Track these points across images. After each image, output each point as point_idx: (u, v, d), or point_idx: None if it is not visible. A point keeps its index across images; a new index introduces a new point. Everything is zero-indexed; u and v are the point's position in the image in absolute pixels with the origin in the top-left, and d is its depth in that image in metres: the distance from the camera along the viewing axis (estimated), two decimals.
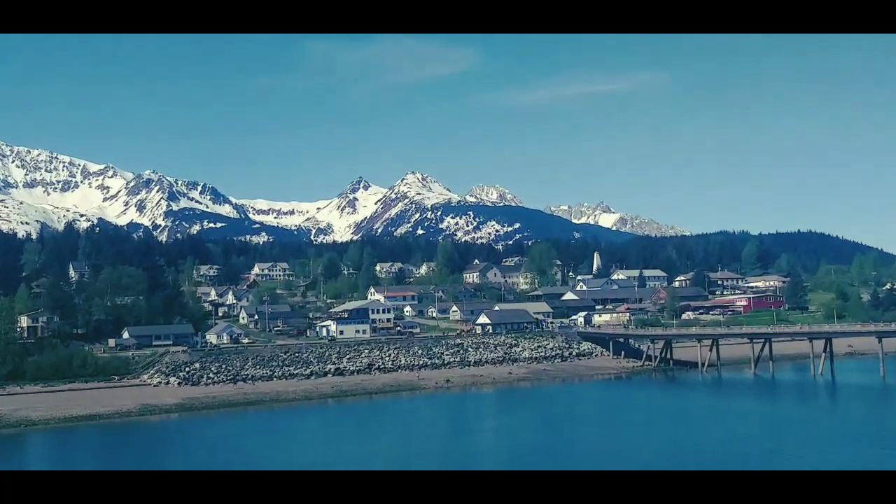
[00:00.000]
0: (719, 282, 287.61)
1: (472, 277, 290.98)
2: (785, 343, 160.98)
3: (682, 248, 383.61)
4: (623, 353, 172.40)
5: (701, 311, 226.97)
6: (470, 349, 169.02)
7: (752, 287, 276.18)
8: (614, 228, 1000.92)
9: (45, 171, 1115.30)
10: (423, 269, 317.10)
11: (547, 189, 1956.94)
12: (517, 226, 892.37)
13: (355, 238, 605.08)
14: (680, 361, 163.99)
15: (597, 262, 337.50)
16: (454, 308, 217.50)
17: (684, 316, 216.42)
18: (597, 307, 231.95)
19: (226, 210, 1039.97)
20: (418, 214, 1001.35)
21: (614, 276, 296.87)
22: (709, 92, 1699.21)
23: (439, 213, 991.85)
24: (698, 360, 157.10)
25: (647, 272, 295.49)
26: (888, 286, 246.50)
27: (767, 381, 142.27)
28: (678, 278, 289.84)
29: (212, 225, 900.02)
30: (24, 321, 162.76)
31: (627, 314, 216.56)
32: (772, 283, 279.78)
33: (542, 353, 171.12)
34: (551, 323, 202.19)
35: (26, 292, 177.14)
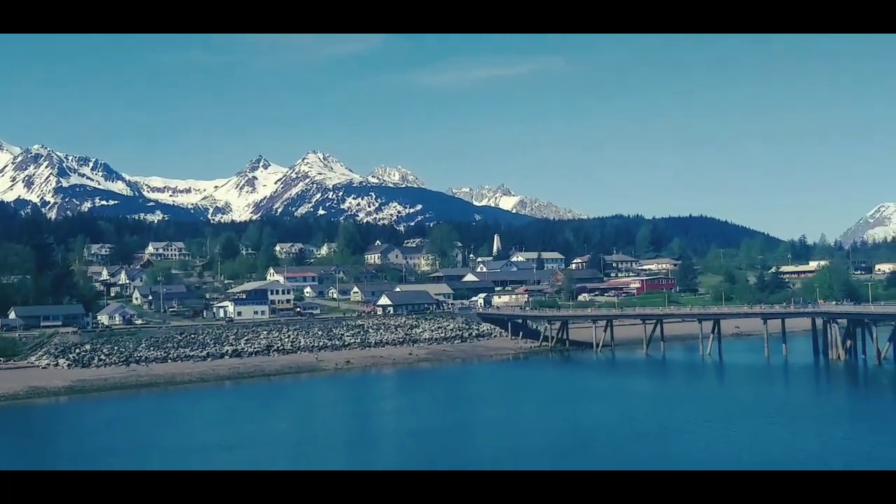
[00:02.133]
0: (614, 264, 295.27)
1: (373, 259, 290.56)
2: (676, 324, 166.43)
3: (579, 231, 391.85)
4: (521, 333, 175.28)
5: (596, 292, 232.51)
6: (371, 330, 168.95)
7: (645, 270, 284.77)
8: (514, 211, 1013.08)
9: None
10: (325, 250, 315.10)
11: (449, 171, 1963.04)
12: (419, 207, 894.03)
13: (254, 218, 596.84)
14: (576, 342, 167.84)
15: (497, 244, 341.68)
16: (355, 289, 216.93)
17: (580, 297, 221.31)
18: (496, 289, 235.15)
19: (119, 187, 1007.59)
20: (319, 195, 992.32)
21: (514, 259, 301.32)
22: (606, 78, 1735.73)
23: (341, 193, 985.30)
24: (593, 340, 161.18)
25: (545, 255, 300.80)
26: (773, 269, 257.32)
27: (659, 360, 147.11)
28: (575, 261, 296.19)
29: (104, 202, 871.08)
30: None
31: (526, 296, 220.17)
32: (664, 265, 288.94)
33: (443, 335, 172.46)
34: (452, 304, 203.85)
35: None
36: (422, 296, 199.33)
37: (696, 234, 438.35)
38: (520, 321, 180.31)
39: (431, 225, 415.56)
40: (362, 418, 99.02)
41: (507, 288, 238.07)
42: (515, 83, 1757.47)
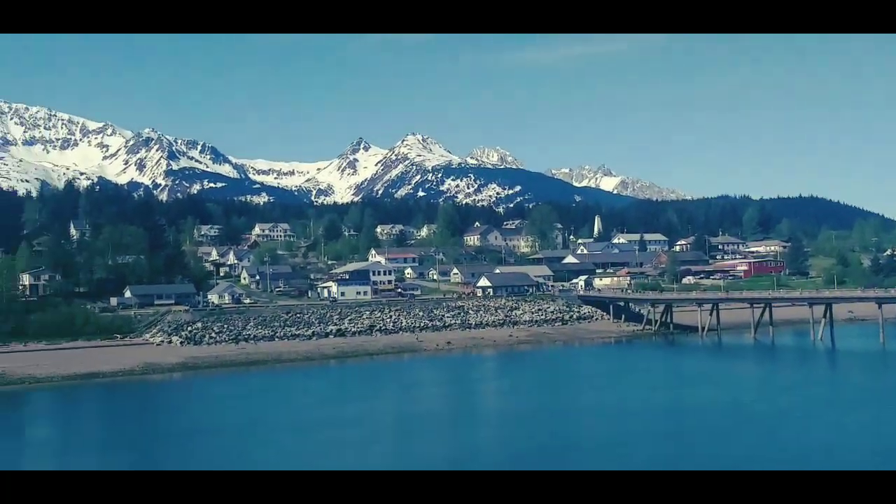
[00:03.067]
0: (720, 246, 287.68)
1: (472, 240, 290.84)
2: (785, 308, 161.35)
3: (683, 212, 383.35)
4: (623, 316, 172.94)
5: (701, 275, 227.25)
6: (471, 312, 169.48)
7: (752, 252, 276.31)
8: (615, 192, 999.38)
9: (44, 128, 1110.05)
10: (424, 232, 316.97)
11: (548, 152, 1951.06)
12: (518, 189, 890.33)
13: (356, 199, 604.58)
14: (680, 325, 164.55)
15: (598, 225, 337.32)
16: (455, 271, 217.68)
17: (685, 280, 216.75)
18: (597, 271, 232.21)
19: (226, 170, 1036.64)
20: (419, 176, 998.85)
21: (615, 240, 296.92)
22: (710, 54, 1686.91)
23: (440, 175, 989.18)
24: (698, 324, 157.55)
25: (647, 236, 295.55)
26: (889, 252, 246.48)
27: (767, 346, 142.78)
28: (679, 242, 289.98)
29: (212, 185, 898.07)
30: (25, 279, 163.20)
31: (628, 278, 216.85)
32: (772, 248, 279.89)
33: (543, 317, 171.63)
34: (552, 286, 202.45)
35: (27, 250, 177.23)
36: (521, 278, 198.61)
37: (806, 215, 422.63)
38: (622, 304, 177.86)
39: (531, 206, 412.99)
40: (466, 398, 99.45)
41: (608, 270, 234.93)
42: (617, 59, 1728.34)
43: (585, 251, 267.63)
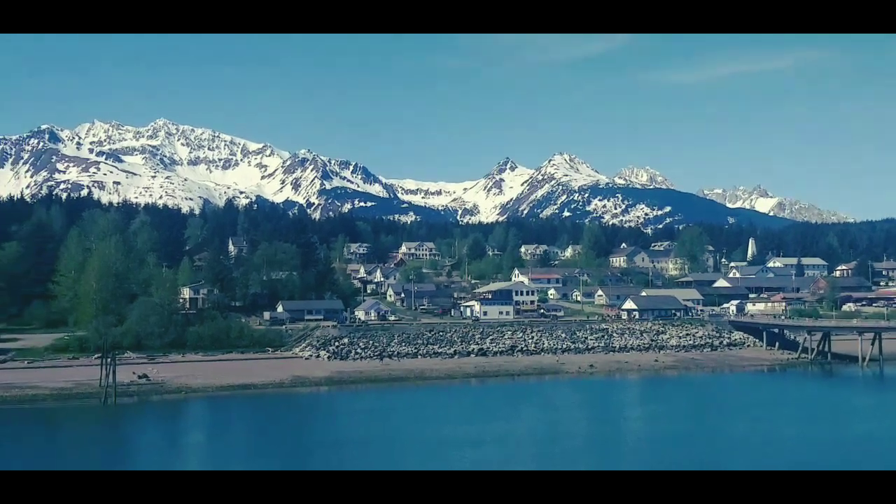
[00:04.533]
0: (884, 272, 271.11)
1: (618, 262, 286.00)
2: None
3: (844, 235, 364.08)
4: (777, 344, 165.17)
5: (863, 302, 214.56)
6: (615, 335, 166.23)
7: None
8: (771, 214, 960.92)
9: (208, 149, 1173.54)
10: (569, 252, 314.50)
11: (700, 172, 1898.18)
12: (667, 209, 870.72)
13: (501, 219, 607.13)
14: (838, 355, 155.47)
15: (752, 248, 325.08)
16: (599, 292, 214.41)
17: (845, 307, 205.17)
18: (750, 296, 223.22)
19: (376, 189, 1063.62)
20: (565, 196, 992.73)
21: (770, 264, 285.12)
22: (872, 71, 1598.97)
23: (586, 195, 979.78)
24: (859, 354, 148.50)
25: (805, 260, 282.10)
26: None
27: None
28: (839, 267, 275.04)
29: (362, 204, 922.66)
30: (186, 293, 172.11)
31: (783, 303, 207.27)
32: None
33: (691, 342, 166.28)
34: (701, 310, 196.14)
35: (189, 265, 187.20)
36: (669, 301, 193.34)
37: None
38: (776, 331, 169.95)
39: (680, 227, 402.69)
40: (608, 422, 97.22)
41: (762, 295, 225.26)
42: (773, 78, 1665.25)
43: (738, 275, 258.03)
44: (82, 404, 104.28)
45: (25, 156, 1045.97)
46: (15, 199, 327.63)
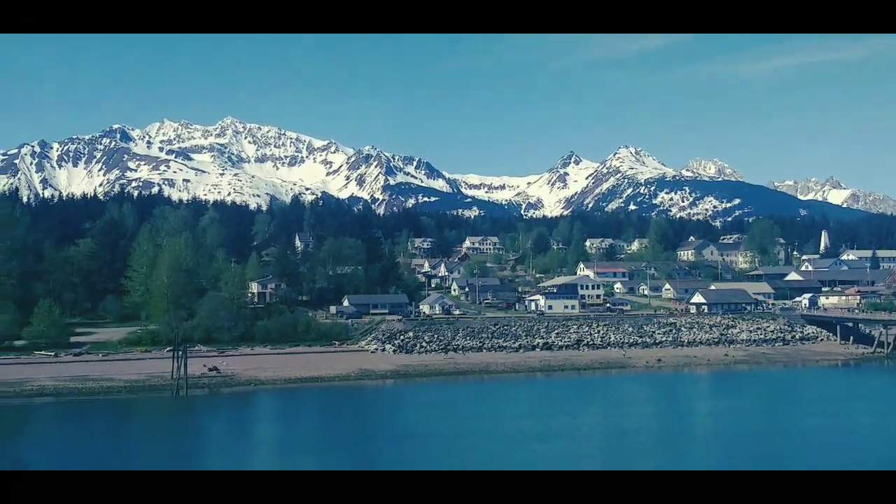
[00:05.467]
0: None
1: (686, 255, 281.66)
2: None
3: None
4: (852, 338, 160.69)
5: None
6: (683, 329, 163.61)
7: None
8: (845, 205, 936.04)
9: (274, 146, 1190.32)
10: (635, 246, 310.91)
11: (770, 164, 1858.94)
12: (737, 202, 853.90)
13: (565, 213, 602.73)
14: None
15: (824, 241, 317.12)
16: (667, 286, 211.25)
17: None
18: (823, 289, 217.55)
19: (439, 184, 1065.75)
20: (630, 189, 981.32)
21: (844, 257, 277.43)
22: None
23: (653, 188, 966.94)
24: None
25: (881, 253, 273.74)
26: None
27: None
28: None
29: (426, 199, 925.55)
30: (254, 287, 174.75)
31: (858, 297, 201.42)
32: None
33: (762, 336, 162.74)
34: (772, 304, 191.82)
35: (257, 260, 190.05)
36: (739, 294, 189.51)
37: None
38: (850, 325, 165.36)
39: (750, 220, 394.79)
40: (677, 417, 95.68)
41: (835, 288, 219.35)
42: (845, 68, 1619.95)
43: (810, 268, 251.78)
44: (155, 396, 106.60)
45: (98, 155, 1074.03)
46: (88, 196, 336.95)
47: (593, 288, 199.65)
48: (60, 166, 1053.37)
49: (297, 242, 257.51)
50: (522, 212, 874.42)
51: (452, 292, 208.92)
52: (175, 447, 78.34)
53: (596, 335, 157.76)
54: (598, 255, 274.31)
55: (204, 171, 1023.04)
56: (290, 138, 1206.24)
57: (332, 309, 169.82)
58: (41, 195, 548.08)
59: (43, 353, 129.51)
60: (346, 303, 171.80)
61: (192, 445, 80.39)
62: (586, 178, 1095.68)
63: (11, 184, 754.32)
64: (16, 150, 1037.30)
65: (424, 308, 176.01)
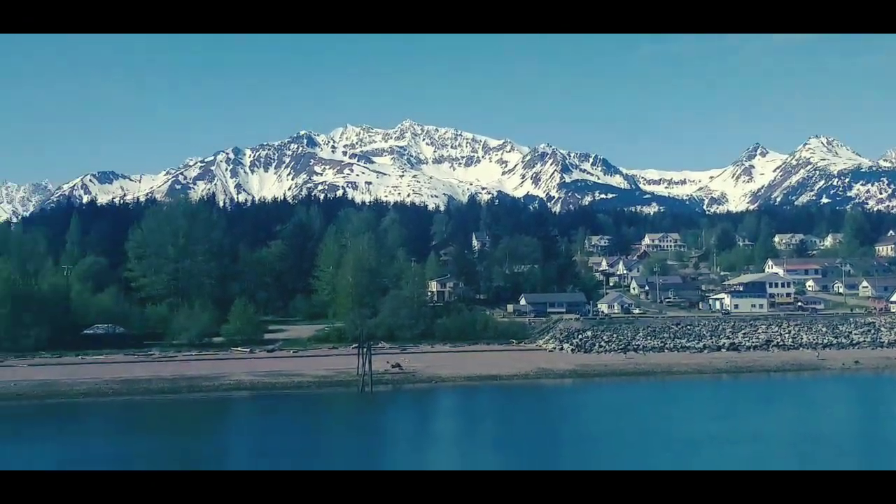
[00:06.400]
0: None
1: (885, 250, 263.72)
2: None
3: None
4: None
5: None
6: (883, 329, 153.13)
7: None
8: None
9: (451, 147, 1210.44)
10: (828, 241, 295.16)
11: None
12: None
13: (751, 207, 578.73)
14: None
15: None
16: (864, 283, 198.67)
17: None
18: None
19: (616, 181, 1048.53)
20: (822, 182, 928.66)
21: None
22: None
23: (847, 179, 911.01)
24: None
25: None
26: None
27: None
28: None
29: (603, 196, 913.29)
30: (433, 286, 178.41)
31: None
32: None
33: None
34: None
35: (435, 260, 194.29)
36: None
37: None
38: None
39: None
40: (877, 421, 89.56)
41: None
42: None
43: None
44: (342, 391, 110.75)
45: (287, 160, 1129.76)
46: (278, 200, 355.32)
47: (783, 286, 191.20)
48: (253, 172, 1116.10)
49: (474, 242, 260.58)
50: (705, 207, 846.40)
51: (631, 291, 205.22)
52: (366, 441, 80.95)
53: (786, 335, 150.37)
54: (787, 252, 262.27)
55: (384, 174, 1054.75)
56: (467, 139, 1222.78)
57: (509, 307, 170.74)
58: (236, 200, 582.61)
59: (239, 349, 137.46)
60: (522, 301, 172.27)
61: (381, 441, 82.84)
62: (773, 171, 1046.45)
63: (209, 189, 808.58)
64: (212, 158, 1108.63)
65: (603, 307, 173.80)
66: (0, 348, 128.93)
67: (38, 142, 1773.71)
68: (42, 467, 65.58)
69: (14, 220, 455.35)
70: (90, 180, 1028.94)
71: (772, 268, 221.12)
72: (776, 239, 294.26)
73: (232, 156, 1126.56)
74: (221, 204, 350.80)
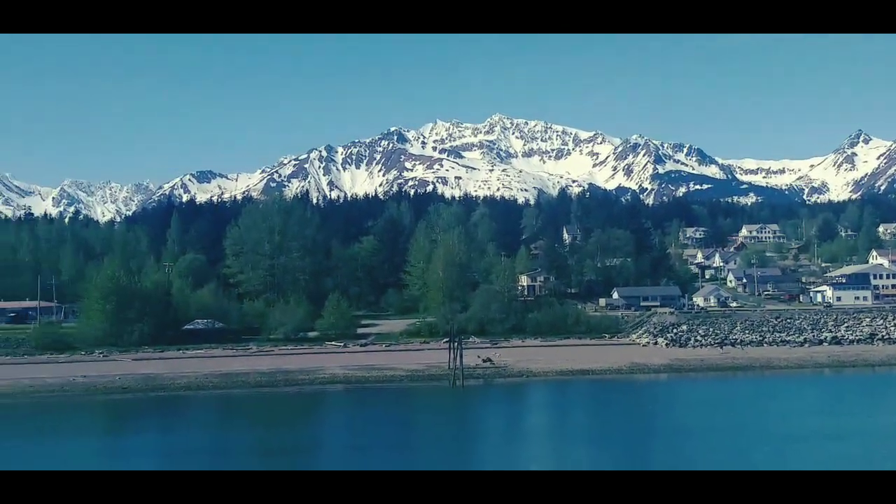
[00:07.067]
0: None
1: None
2: None
3: None
4: None
5: None
6: None
7: None
8: None
9: (541, 140, 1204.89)
10: None
11: None
12: None
13: (854, 197, 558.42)
14: None
15: None
16: None
17: None
18: None
19: (712, 171, 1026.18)
20: None
21: None
22: None
23: None
24: None
25: None
26: None
27: None
28: None
29: (697, 187, 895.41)
30: (524, 280, 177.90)
31: None
32: None
33: None
34: None
35: (525, 254, 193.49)
36: None
37: None
38: None
39: None
40: None
41: None
42: None
43: None
44: (434, 385, 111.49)
45: (378, 156, 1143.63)
46: (370, 196, 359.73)
47: (889, 277, 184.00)
48: (345, 168, 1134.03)
49: (565, 235, 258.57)
50: (805, 197, 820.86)
51: (728, 283, 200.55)
52: (457, 435, 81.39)
53: (892, 328, 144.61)
54: (892, 242, 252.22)
55: (474, 168, 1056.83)
56: (556, 131, 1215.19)
57: (602, 301, 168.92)
58: (328, 196, 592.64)
59: (333, 343, 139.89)
60: (615, 295, 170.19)
61: (472, 434, 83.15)
62: (878, 158, 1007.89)
63: (303, 186, 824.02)
64: (305, 155, 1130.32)
65: (698, 300, 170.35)
66: (105, 343, 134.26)
67: (139, 143, 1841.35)
68: (145, 463, 68.15)
69: (118, 219, 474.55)
70: (189, 180, 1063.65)
71: (876, 259, 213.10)
72: (880, 229, 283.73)
73: (325, 153, 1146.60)
74: (315, 201, 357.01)
